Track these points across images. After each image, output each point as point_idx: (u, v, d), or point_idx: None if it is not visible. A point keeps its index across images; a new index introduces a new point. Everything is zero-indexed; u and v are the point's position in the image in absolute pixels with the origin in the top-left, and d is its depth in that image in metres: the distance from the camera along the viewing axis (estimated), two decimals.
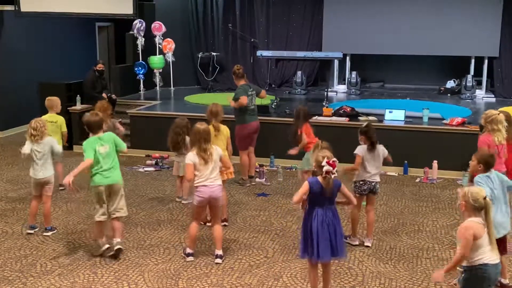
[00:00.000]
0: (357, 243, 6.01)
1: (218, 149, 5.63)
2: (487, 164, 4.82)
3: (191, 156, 5.44)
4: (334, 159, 4.54)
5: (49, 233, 6.28)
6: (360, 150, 5.88)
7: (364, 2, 12.82)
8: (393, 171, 8.90)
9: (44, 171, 6.18)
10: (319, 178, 4.55)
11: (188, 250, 5.68)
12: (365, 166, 5.86)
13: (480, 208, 3.98)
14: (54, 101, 7.77)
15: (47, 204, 6.30)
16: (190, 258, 5.63)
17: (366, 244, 6.01)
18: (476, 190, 4.08)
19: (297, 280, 5.23)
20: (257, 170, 8.67)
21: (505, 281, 5.05)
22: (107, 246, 5.71)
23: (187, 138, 6.82)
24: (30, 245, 5.99)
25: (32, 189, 6.35)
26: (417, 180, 8.57)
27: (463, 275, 4.09)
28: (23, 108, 11.24)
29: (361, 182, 5.91)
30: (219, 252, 5.63)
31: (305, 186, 4.56)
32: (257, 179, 8.45)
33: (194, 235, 5.64)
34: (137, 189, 8.04)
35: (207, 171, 5.43)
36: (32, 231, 6.31)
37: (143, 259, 5.68)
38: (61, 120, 7.79)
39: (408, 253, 5.90)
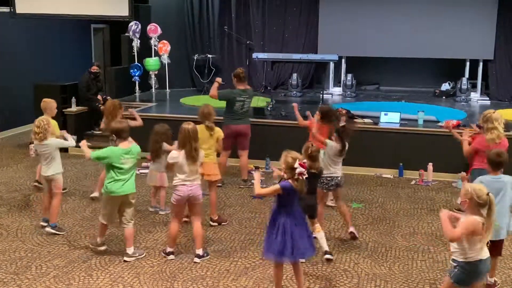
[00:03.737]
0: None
1: (202, 152, 5.77)
2: None
3: (175, 155, 5.56)
4: (305, 160, 4.57)
5: (50, 229, 6.29)
6: None
7: (359, 4, 12.85)
8: (388, 173, 8.93)
9: (49, 169, 6.30)
10: (291, 181, 4.55)
11: (169, 249, 5.76)
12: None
13: (484, 204, 3.98)
14: (48, 103, 7.35)
15: (54, 201, 6.35)
16: (171, 257, 5.71)
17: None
18: (479, 186, 4.10)
19: (292, 283, 5.23)
20: (252, 172, 8.64)
21: (491, 280, 5.10)
22: (104, 247, 5.85)
23: (164, 145, 6.80)
24: (25, 247, 5.97)
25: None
26: (412, 182, 8.59)
27: (456, 269, 4.13)
28: (18, 110, 11.21)
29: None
30: (199, 251, 5.69)
31: (276, 189, 4.61)
32: (253, 181, 8.43)
33: (174, 234, 5.73)
34: None
35: (193, 170, 5.56)
36: (45, 223, 6.41)
37: (139, 261, 5.67)
38: (53, 124, 7.26)
39: (404, 255, 5.91)
